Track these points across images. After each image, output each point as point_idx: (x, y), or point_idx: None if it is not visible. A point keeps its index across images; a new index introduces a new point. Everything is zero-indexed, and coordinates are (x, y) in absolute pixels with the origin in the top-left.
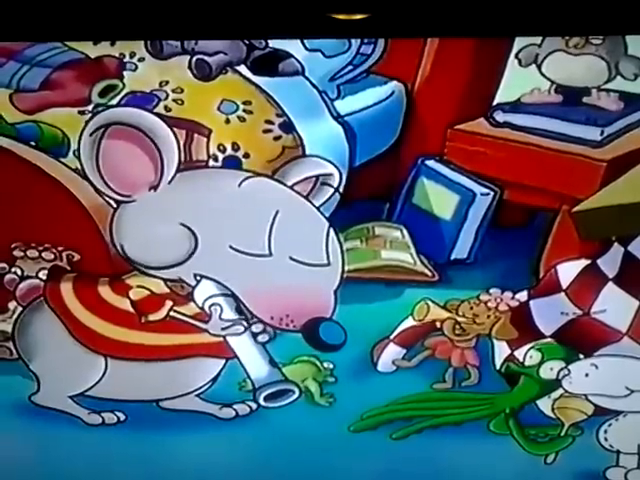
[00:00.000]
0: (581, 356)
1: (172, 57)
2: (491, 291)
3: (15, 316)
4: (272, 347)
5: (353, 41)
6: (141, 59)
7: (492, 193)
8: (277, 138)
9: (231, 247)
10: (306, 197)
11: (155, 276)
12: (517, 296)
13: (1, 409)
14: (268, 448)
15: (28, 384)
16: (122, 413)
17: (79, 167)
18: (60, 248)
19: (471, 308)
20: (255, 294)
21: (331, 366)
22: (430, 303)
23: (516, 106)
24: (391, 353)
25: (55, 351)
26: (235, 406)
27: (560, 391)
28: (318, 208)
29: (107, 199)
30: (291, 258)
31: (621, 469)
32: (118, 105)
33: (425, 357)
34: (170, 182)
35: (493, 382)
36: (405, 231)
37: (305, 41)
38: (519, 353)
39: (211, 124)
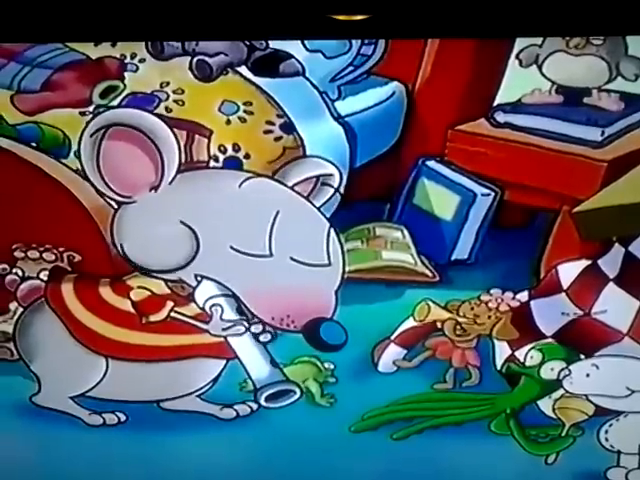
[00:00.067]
0: (582, 356)
1: (173, 58)
2: (492, 291)
3: (16, 317)
4: (273, 347)
5: (354, 42)
6: (142, 60)
7: (493, 194)
8: (278, 139)
9: (232, 247)
10: (307, 197)
11: (156, 277)
12: (518, 296)
13: (2, 410)
14: (269, 449)
15: (29, 385)
16: (123, 414)
17: (80, 168)
18: (61, 249)
19: (472, 308)
20: (256, 294)
21: (332, 366)
22: (431, 303)
23: (517, 107)
24: (392, 353)
25: (56, 352)
26: (236, 406)
27: (561, 391)
28: (319, 208)
29: (108, 200)
30: (292, 258)
31: (622, 469)
32: (119, 106)
33: (426, 357)
34: (171, 183)
35: (494, 382)
36: (406, 232)
37: (306, 42)
38: (520, 353)
39: (212, 125)
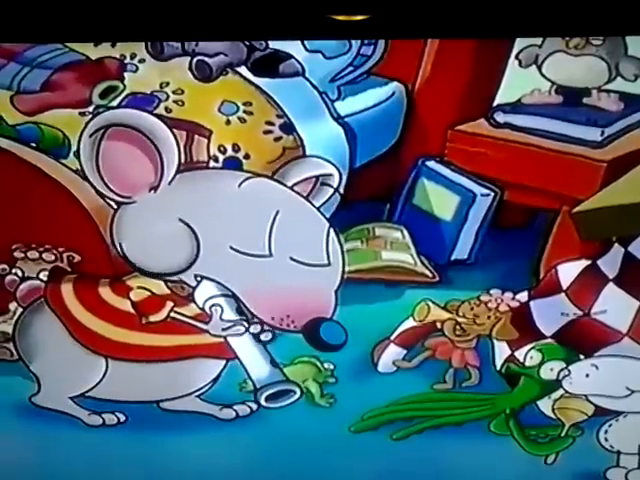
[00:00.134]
0: (581, 357)
1: (173, 58)
2: (491, 292)
3: (16, 317)
4: (273, 347)
5: (353, 42)
6: (142, 60)
7: (492, 194)
8: (278, 139)
9: (231, 248)
10: (306, 197)
11: (156, 277)
12: (517, 297)
13: (1, 410)
14: (268, 449)
15: (28, 385)
16: (122, 414)
17: (79, 168)
18: (61, 249)
19: (472, 309)
20: (256, 294)
21: (332, 367)
22: (430, 304)
23: (516, 107)
24: (391, 354)
25: (55, 352)
26: (235, 407)
27: (560, 391)
28: (318, 208)
29: (107, 200)
30: (291, 258)
31: (622, 469)
32: (119, 106)
33: (425, 358)
34: (170, 183)
35: (493, 383)
36: (405, 232)
37: (305, 42)
38: (519, 354)
39: (212, 125)
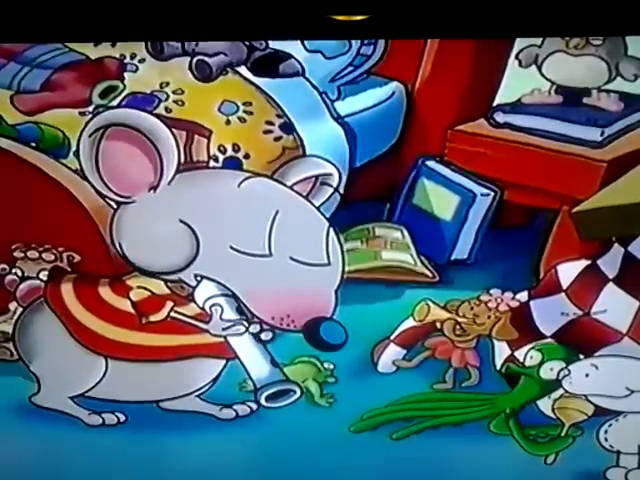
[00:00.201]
0: (581, 356)
1: (172, 58)
2: (491, 291)
3: (15, 317)
4: (273, 347)
5: (353, 42)
6: (142, 60)
7: (492, 194)
8: (277, 139)
9: (231, 247)
10: (306, 197)
11: (156, 277)
12: (517, 296)
13: (1, 410)
14: (268, 449)
15: (28, 385)
16: (122, 414)
17: (79, 168)
18: (60, 249)
19: (471, 308)
20: (256, 294)
21: (331, 366)
22: (430, 304)
23: (516, 107)
24: (391, 353)
25: (55, 352)
26: (235, 407)
27: (560, 391)
28: (318, 208)
29: (107, 200)
30: (291, 258)
31: (621, 469)
32: (118, 106)
33: (425, 357)
34: (170, 183)
35: (493, 382)
36: (405, 232)
37: (305, 42)
38: (519, 353)
39: (211, 125)
